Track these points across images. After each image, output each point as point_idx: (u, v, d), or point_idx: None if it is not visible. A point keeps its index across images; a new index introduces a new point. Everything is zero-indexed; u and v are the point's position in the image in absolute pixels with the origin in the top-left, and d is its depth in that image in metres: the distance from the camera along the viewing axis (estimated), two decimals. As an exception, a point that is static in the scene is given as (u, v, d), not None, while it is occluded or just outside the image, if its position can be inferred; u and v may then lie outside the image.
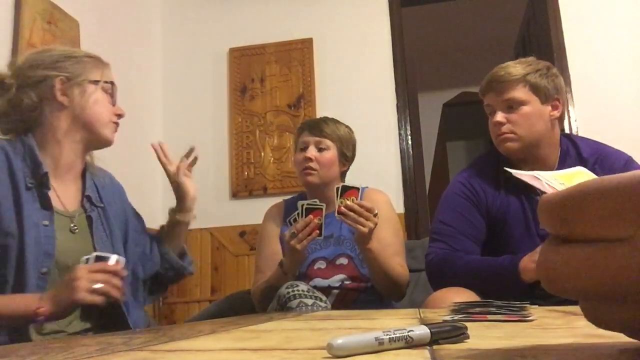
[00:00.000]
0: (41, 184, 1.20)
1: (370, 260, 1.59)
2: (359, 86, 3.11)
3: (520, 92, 1.47)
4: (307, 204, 1.55)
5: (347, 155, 1.81)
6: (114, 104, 1.34)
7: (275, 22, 3.28)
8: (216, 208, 3.06)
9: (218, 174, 3.15)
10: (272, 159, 3.12)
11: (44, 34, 2.31)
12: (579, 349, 0.38)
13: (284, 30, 3.24)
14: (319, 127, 1.78)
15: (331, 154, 1.76)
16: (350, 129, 1.85)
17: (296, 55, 3.21)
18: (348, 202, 1.50)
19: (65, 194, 1.26)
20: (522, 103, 1.47)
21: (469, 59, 4.88)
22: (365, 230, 1.49)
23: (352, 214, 1.49)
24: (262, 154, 3.14)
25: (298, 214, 1.56)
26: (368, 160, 2.69)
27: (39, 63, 1.26)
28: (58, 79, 1.25)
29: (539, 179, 0.42)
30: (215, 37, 3.33)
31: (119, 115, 1.35)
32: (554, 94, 1.49)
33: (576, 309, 0.86)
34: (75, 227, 1.25)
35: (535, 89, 1.48)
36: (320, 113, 3.00)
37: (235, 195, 3.11)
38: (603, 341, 0.42)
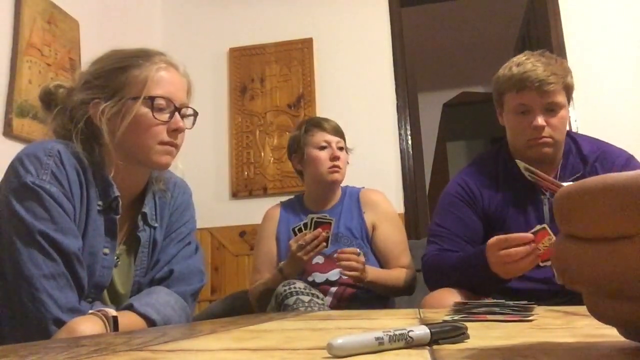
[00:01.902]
0: (111, 209, 1.07)
1: (372, 286, 1.67)
2: (359, 86, 3.10)
3: (561, 96, 1.40)
4: (317, 218, 1.59)
5: (348, 155, 1.89)
6: (168, 120, 1.06)
7: (275, 22, 3.28)
8: (216, 208, 3.06)
9: (218, 174, 3.15)
10: (272, 159, 3.12)
11: (44, 34, 2.31)
12: (579, 349, 0.38)
13: (284, 30, 3.24)
14: (335, 127, 1.84)
15: (345, 153, 1.86)
16: None
17: (296, 55, 3.20)
18: (341, 255, 1.58)
19: (120, 220, 1.11)
20: (561, 107, 1.40)
21: (469, 59, 4.88)
22: (358, 274, 1.57)
23: (344, 263, 1.57)
24: (262, 154, 3.13)
25: (305, 224, 1.60)
26: (368, 160, 2.69)
27: (75, 85, 1.10)
28: (91, 103, 1.06)
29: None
30: (215, 37, 3.32)
31: (176, 131, 1.08)
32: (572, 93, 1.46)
33: (576, 309, 0.87)
34: (118, 260, 1.12)
35: (568, 91, 1.42)
36: (320, 113, 3.00)
37: (235, 195, 3.11)
38: (603, 341, 0.42)
